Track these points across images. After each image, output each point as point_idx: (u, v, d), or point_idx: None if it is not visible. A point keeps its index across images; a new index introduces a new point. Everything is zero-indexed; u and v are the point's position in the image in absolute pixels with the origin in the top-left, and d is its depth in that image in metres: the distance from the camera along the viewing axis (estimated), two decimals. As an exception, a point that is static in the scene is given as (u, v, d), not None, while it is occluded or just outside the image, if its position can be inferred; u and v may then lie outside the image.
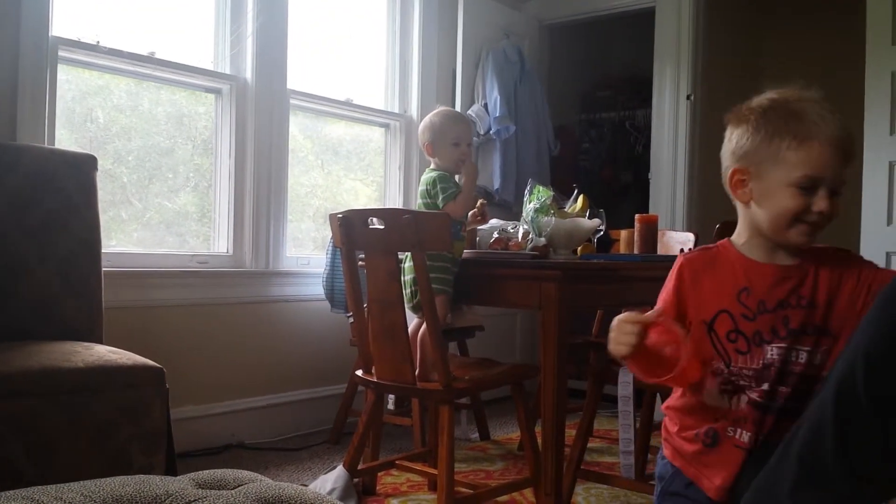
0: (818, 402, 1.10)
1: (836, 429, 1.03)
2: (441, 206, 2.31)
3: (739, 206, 1.30)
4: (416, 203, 2.41)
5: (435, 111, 2.46)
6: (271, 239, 3.31)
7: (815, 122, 1.19)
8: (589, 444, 2.55)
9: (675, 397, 1.35)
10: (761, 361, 1.22)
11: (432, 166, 2.41)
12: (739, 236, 1.32)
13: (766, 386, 1.22)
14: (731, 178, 1.26)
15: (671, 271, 1.33)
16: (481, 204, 2.58)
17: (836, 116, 1.21)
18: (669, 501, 1.33)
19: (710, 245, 1.35)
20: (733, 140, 1.27)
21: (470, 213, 2.55)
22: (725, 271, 1.28)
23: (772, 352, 1.22)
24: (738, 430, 1.24)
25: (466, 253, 2.47)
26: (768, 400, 1.22)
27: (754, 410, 1.23)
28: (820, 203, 1.20)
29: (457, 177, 2.45)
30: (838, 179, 1.21)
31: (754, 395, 1.23)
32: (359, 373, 2.34)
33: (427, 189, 2.35)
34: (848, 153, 1.20)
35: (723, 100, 4.54)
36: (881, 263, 3.45)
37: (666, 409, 1.36)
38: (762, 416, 1.23)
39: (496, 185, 4.12)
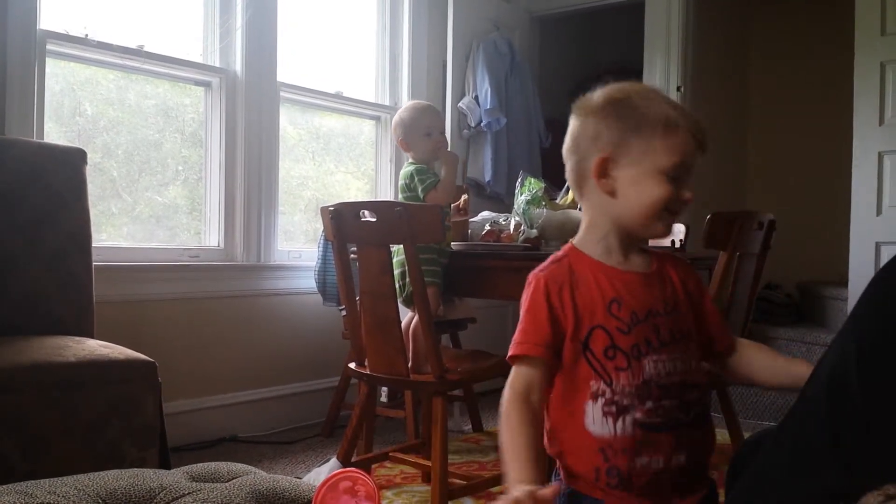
0: (806, 397, 1.09)
1: (831, 422, 1.02)
2: (422, 196, 2.33)
3: (593, 202, 1.21)
4: (399, 198, 2.43)
5: (403, 107, 2.50)
6: (262, 232, 3.30)
7: (677, 110, 1.17)
8: (581, 435, 2.56)
9: (549, 437, 1.21)
10: (641, 377, 1.14)
11: (410, 160, 2.44)
12: (589, 238, 1.22)
13: (649, 404, 1.13)
14: (598, 166, 1.17)
15: (529, 293, 1.19)
16: (466, 200, 2.59)
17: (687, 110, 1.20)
18: None
19: (559, 255, 1.23)
20: (589, 128, 1.19)
21: (453, 206, 2.56)
22: (589, 283, 1.18)
23: (649, 365, 1.14)
24: (645, 459, 1.13)
25: (458, 245, 2.48)
26: (658, 417, 1.13)
27: (647, 433, 1.13)
28: (687, 192, 1.16)
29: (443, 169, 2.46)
30: (694, 169, 1.18)
31: (639, 415, 1.13)
32: (352, 365, 2.34)
33: (406, 183, 2.38)
34: (705, 143, 1.18)
35: (713, 91, 4.56)
36: (871, 254, 3.49)
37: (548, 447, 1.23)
38: (657, 436, 1.13)
39: (487, 177, 4.12)
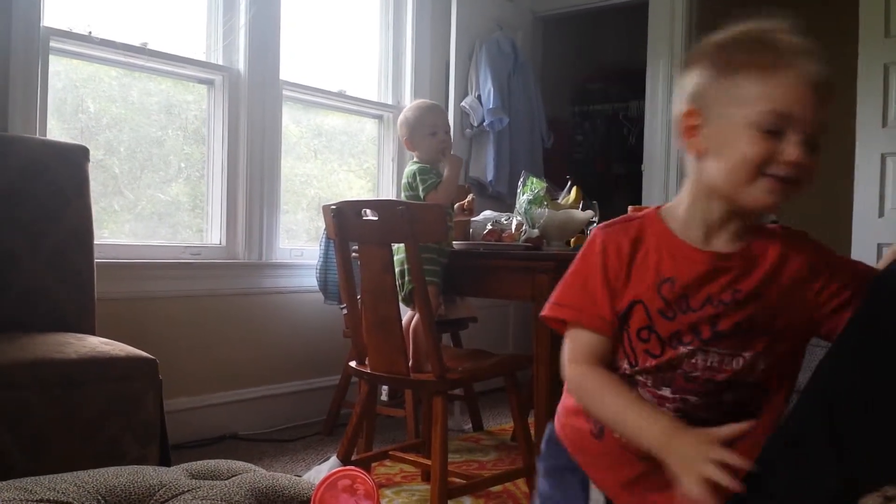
0: (806, 398, 1.08)
1: (831, 424, 1.01)
2: (423, 196, 2.33)
3: (689, 164, 1.05)
4: (402, 196, 2.44)
5: (408, 106, 2.51)
6: (264, 230, 3.30)
7: (787, 50, 0.96)
8: (582, 435, 2.56)
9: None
10: (670, 365, 1.01)
11: (414, 159, 2.44)
12: (678, 205, 1.06)
13: (665, 391, 1.02)
14: (682, 122, 1.01)
15: (584, 250, 1.06)
16: (471, 200, 2.59)
17: (814, 50, 0.97)
18: (555, 479, 1.11)
19: (633, 216, 1.07)
20: (686, 80, 1.03)
21: (457, 206, 2.56)
22: (649, 254, 1.02)
23: (685, 355, 1.01)
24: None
25: (460, 245, 2.48)
26: (669, 408, 1.02)
27: None
28: (791, 150, 0.93)
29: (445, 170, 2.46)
30: (816, 124, 0.95)
31: (647, 396, 1.03)
32: (352, 364, 2.34)
33: (409, 182, 2.39)
34: (825, 92, 0.96)
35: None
36: (873, 255, 3.48)
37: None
38: None
39: (490, 176, 4.12)
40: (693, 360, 1.01)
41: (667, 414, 0.96)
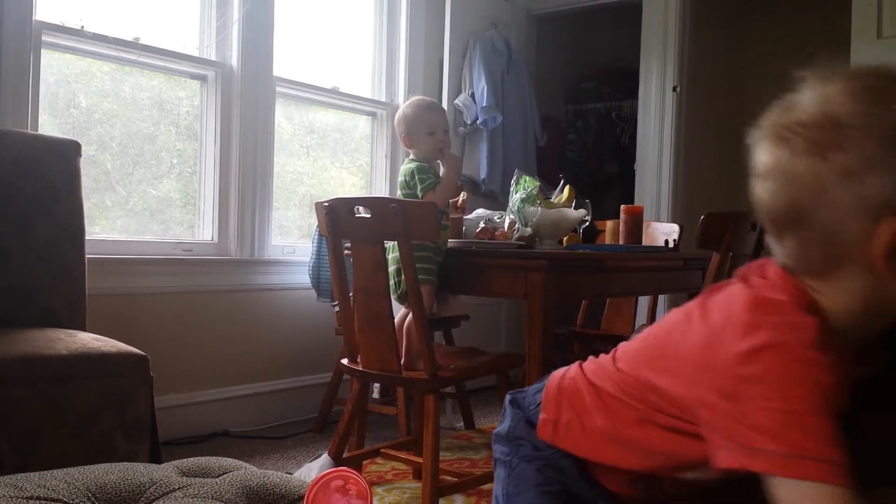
0: None
1: None
2: (420, 195, 2.32)
3: (848, 286, 0.82)
4: (398, 194, 2.43)
5: (407, 102, 2.49)
6: (256, 227, 3.30)
7: None
8: (573, 434, 2.57)
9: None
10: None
11: (411, 157, 2.43)
12: (833, 314, 0.83)
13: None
14: (882, 246, 0.76)
15: (818, 374, 0.77)
16: (464, 200, 2.58)
17: None
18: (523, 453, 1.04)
19: (819, 329, 0.79)
20: (830, 179, 0.76)
21: (450, 202, 2.56)
22: (838, 377, 0.81)
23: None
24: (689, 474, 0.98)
25: (452, 242, 2.48)
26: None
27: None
28: None
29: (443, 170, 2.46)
30: None
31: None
32: (344, 361, 2.34)
33: (406, 180, 2.37)
34: None
35: (708, 92, 4.57)
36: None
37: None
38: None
39: (483, 174, 4.12)
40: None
41: None
